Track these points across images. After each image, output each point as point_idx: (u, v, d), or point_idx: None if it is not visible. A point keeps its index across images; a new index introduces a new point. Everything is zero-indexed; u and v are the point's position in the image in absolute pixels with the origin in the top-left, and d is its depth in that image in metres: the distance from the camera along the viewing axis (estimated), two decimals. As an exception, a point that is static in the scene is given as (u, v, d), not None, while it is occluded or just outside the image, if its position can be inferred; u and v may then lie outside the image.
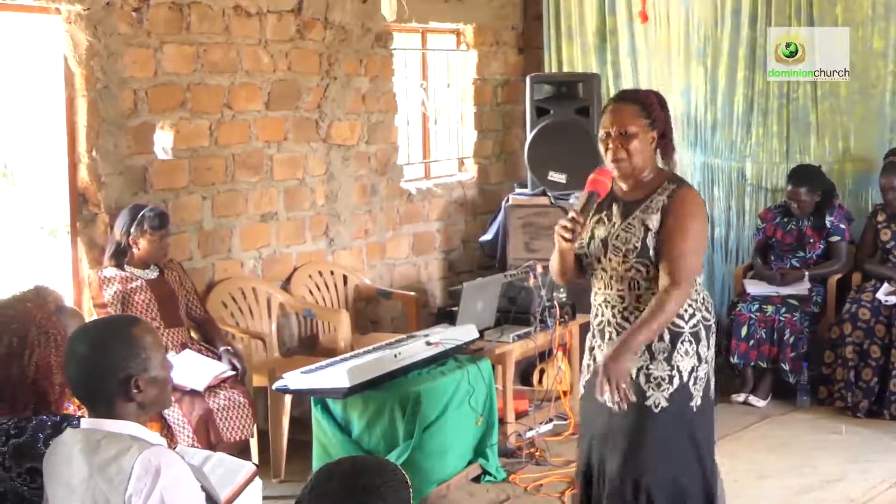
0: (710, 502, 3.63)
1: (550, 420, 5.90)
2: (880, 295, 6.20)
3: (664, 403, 3.50)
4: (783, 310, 6.36)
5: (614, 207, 3.59)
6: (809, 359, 6.34)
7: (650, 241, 3.49)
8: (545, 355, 5.88)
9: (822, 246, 6.60)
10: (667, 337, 3.51)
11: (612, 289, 3.58)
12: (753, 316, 6.39)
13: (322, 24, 6.25)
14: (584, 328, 5.96)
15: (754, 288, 6.55)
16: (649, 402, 3.50)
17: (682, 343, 3.52)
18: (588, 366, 3.73)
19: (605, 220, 3.60)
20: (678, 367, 3.51)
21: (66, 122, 5.18)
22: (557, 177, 6.83)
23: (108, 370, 2.55)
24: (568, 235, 3.45)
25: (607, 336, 3.61)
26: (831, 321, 6.41)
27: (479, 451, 5.21)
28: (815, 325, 6.46)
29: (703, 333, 3.56)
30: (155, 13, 5.35)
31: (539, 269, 5.71)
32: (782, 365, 6.30)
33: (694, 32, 7.19)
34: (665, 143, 3.61)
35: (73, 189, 5.24)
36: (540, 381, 6.20)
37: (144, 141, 5.38)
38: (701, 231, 3.56)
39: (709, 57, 7.16)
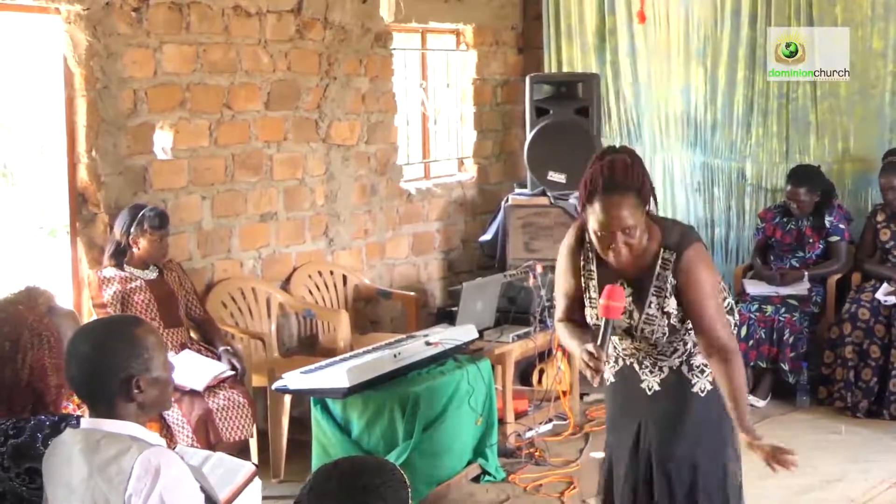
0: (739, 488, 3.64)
1: (550, 420, 5.90)
2: (880, 295, 6.20)
3: (709, 386, 3.53)
4: (783, 310, 6.36)
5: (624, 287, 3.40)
6: (809, 359, 6.34)
7: (675, 321, 3.41)
8: (545, 355, 5.88)
9: (821, 246, 6.60)
10: None
11: (641, 351, 3.52)
12: (753, 316, 6.39)
13: (322, 24, 6.25)
14: (584, 328, 6.03)
15: (754, 288, 6.55)
16: (695, 389, 3.52)
17: None
18: (614, 357, 3.63)
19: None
20: None
21: (66, 122, 5.18)
22: (557, 177, 6.83)
23: (110, 370, 2.55)
24: (593, 372, 3.27)
25: (637, 367, 3.57)
26: (831, 321, 6.41)
27: (478, 451, 5.21)
28: (815, 325, 6.46)
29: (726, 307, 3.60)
30: (155, 13, 5.35)
31: (539, 269, 5.71)
32: (782, 365, 6.30)
33: (694, 32, 7.19)
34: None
35: (72, 189, 5.24)
36: (539, 381, 6.20)
37: (144, 141, 5.38)
38: (715, 282, 3.44)
39: (709, 57, 7.16)
